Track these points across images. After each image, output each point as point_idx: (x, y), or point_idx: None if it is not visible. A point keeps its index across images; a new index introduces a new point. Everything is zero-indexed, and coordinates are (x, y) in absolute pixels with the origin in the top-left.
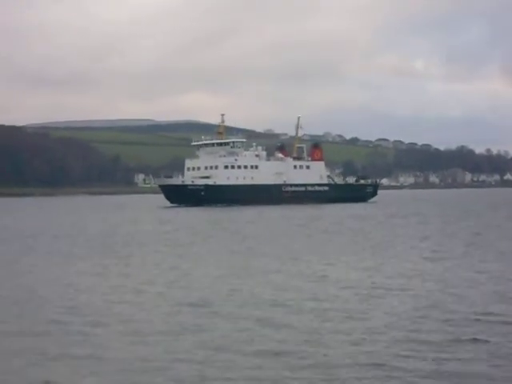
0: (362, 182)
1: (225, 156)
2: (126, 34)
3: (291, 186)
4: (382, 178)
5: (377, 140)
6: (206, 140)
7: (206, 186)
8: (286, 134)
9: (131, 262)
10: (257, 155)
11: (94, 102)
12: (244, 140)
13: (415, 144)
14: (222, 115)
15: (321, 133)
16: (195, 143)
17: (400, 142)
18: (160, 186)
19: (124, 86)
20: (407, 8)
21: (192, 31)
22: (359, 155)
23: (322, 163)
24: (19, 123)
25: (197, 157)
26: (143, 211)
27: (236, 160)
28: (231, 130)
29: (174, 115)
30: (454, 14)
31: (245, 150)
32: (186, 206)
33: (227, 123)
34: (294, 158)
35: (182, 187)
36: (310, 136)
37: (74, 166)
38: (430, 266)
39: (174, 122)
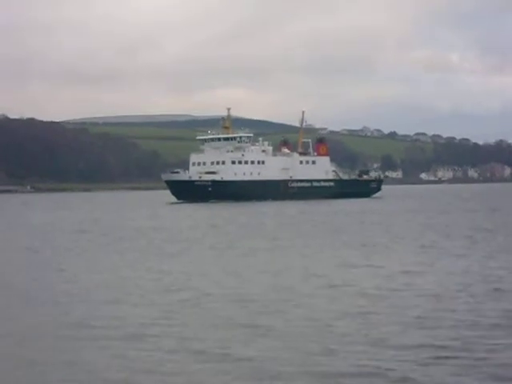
0: (365, 177)
1: (232, 151)
2: (162, 28)
3: (297, 181)
4: (420, 173)
5: (415, 134)
6: (211, 134)
7: (213, 181)
8: (325, 129)
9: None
10: (263, 150)
11: (131, 98)
12: (251, 135)
13: (454, 138)
14: (229, 109)
15: (359, 127)
16: (200, 137)
17: (438, 136)
18: (166, 181)
19: (161, 80)
20: (444, 1)
21: (229, 25)
22: (397, 150)
23: (327, 158)
24: (57, 119)
25: (202, 151)
26: (159, 207)
27: (243, 155)
28: (268, 124)
29: (211, 110)
30: (490, 6)
31: (251, 144)
32: (193, 202)
33: (263, 117)
34: (300, 154)
35: (189, 183)
36: (348, 131)
37: (113, 161)
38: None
39: (211, 117)
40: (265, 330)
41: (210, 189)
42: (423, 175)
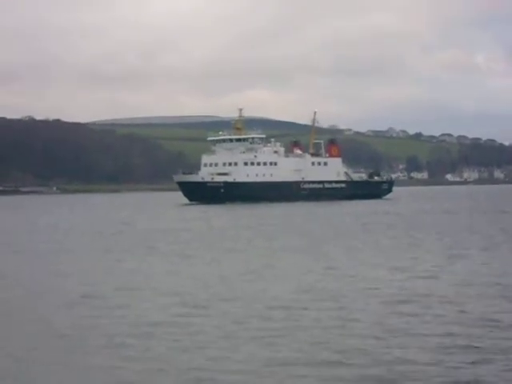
0: (376, 178)
1: (244, 152)
2: (186, 29)
3: (309, 183)
4: (446, 174)
5: (441, 135)
6: (223, 135)
7: (226, 183)
8: (350, 130)
9: None
10: (275, 151)
11: (157, 99)
12: (263, 136)
13: (479, 139)
14: (240, 110)
15: (385, 128)
16: (211, 138)
17: (464, 137)
18: (178, 182)
19: (187, 82)
20: (468, 2)
21: (254, 27)
22: (423, 151)
23: (339, 160)
24: (83, 120)
25: (213, 152)
26: (185, 210)
27: (255, 156)
28: (292, 126)
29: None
30: None
31: (263, 145)
32: (206, 204)
33: (289, 119)
34: (312, 155)
35: (202, 184)
36: (374, 132)
37: (139, 162)
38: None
39: (237, 119)
40: None
41: (222, 190)
42: (449, 176)
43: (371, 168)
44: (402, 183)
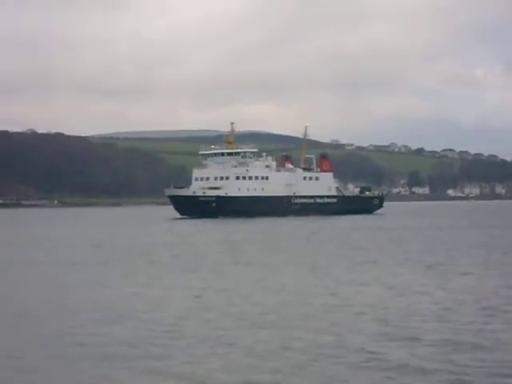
0: (368, 193)
1: (236, 166)
2: (187, 42)
3: (300, 197)
4: (448, 189)
5: (443, 150)
6: (215, 149)
7: (218, 197)
8: (352, 145)
9: None
10: (267, 166)
11: (158, 113)
12: (256, 150)
13: (481, 154)
14: (232, 123)
15: (386, 143)
16: (203, 152)
17: (466, 152)
18: (169, 196)
19: (188, 96)
20: (468, 15)
21: (254, 41)
22: (425, 166)
23: (330, 174)
24: (84, 134)
25: (205, 166)
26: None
27: (247, 171)
28: (293, 140)
29: (239, 126)
30: None
31: (255, 160)
32: (197, 218)
33: (290, 133)
34: (304, 169)
35: (193, 198)
36: (375, 146)
37: (140, 176)
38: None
39: (238, 133)
40: None
41: (214, 204)
42: (450, 191)
43: (373, 183)
44: (404, 198)
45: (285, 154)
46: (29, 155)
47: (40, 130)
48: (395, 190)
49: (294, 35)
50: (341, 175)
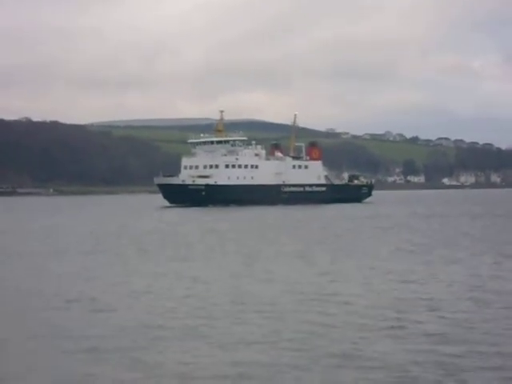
0: (356, 182)
1: (226, 155)
2: (183, 32)
3: (290, 186)
4: (443, 178)
5: (438, 139)
6: (204, 137)
7: (207, 185)
8: (347, 133)
9: None
10: (256, 154)
11: (154, 102)
12: (245, 138)
13: (477, 143)
14: (222, 111)
15: (382, 132)
16: (192, 140)
17: (461, 141)
18: (158, 185)
19: (184, 85)
20: (467, 7)
21: (251, 29)
22: (420, 154)
23: (319, 163)
24: (80, 122)
25: (194, 154)
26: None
27: (237, 159)
28: (290, 128)
29: (234, 114)
30: None
31: (245, 148)
32: (186, 207)
33: (287, 121)
34: (293, 158)
35: (183, 187)
36: (371, 135)
37: (136, 164)
38: None
39: (234, 121)
40: None
41: (203, 193)
42: (446, 180)
43: (368, 172)
44: (399, 187)
45: (274, 142)
46: (24, 144)
47: (36, 119)
48: (390, 179)
49: (294, 24)
50: (336, 164)
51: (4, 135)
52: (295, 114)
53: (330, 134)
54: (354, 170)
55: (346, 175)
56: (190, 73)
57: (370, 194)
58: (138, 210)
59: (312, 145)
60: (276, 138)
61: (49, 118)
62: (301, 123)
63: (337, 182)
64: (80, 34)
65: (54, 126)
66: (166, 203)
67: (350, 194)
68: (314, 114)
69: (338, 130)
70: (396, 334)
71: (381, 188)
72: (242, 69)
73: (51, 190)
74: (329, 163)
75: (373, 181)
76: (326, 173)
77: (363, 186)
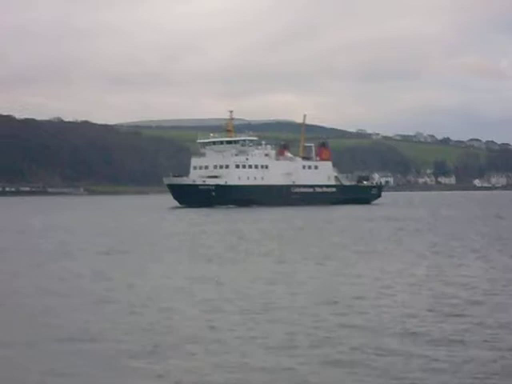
0: (365, 183)
1: (236, 155)
2: (210, 32)
3: (299, 186)
4: (474, 179)
5: (469, 140)
6: (213, 137)
7: (217, 186)
8: (377, 134)
9: None
10: (266, 154)
11: (183, 102)
12: (255, 138)
13: (508, 145)
14: (231, 112)
15: (412, 133)
16: (201, 140)
17: (493, 142)
18: (168, 185)
19: (214, 85)
20: (494, 6)
21: (277, 31)
22: (451, 156)
23: (329, 163)
24: (110, 122)
25: (203, 155)
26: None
27: (247, 159)
28: (318, 129)
29: (264, 115)
30: None
31: (255, 148)
32: (196, 207)
33: (315, 122)
34: (303, 158)
35: (193, 187)
36: (402, 136)
37: (166, 164)
38: None
39: (264, 122)
40: None
41: (213, 193)
42: (476, 181)
43: (399, 172)
44: (430, 188)
45: (283, 142)
46: (55, 144)
47: (66, 119)
48: (421, 180)
49: (319, 25)
50: (367, 165)
51: (36, 135)
52: (304, 115)
53: (361, 135)
54: (386, 171)
55: (376, 176)
56: (219, 74)
57: (379, 195)
58: (163, 209)
59: (322, 145)
60: (305, 139)
61: (79, 117)
62: (330, 124)
63: (346, 182)
64: (106, 33)
65: (85, 126)
66: (175, 204)
67: (359, 194)
68: (344, 115)
69: (368, 131)
70: None
71: (410, 189)
72: (269, 70)
73: (81, 190)
74: (358, 164)
75: (381, 182)
76: (335, 173)
77: (372, 186)
